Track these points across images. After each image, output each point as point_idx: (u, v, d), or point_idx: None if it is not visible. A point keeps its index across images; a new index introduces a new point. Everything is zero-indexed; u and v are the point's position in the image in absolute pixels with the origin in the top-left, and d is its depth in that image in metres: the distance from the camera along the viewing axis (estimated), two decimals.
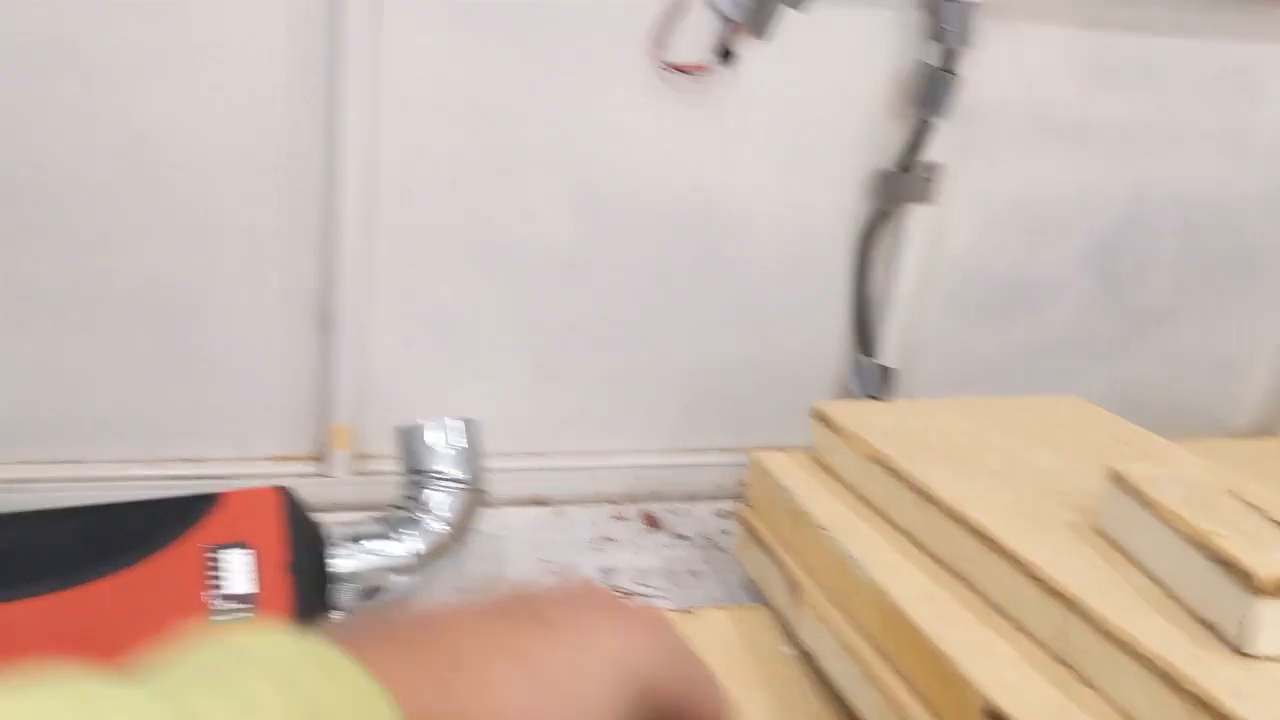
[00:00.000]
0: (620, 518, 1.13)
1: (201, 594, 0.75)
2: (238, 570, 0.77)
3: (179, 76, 0.92)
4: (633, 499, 1.16)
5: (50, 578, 0.72)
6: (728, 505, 1.17)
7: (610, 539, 1.09)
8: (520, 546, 1.05)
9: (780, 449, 0.98)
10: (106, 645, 0.72)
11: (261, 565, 0.77)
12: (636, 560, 1.05)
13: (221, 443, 1.05)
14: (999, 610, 0.74)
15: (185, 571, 0.75)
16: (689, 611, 0.90)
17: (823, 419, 0.95)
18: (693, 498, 1.18)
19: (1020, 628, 0.71)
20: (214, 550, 0.76)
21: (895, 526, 0.85)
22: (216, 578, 0.76)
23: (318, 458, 1.08)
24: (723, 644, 0.87)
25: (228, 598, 0.76)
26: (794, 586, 0.86)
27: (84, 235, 0.94)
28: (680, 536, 1.11)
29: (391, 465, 1.08)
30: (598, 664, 0.37)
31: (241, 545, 0.77)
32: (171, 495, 0.80)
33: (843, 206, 1.12)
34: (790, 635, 0.88)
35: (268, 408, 1.05)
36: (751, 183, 1.08)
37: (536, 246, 1.06)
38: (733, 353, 1.15)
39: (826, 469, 0.95)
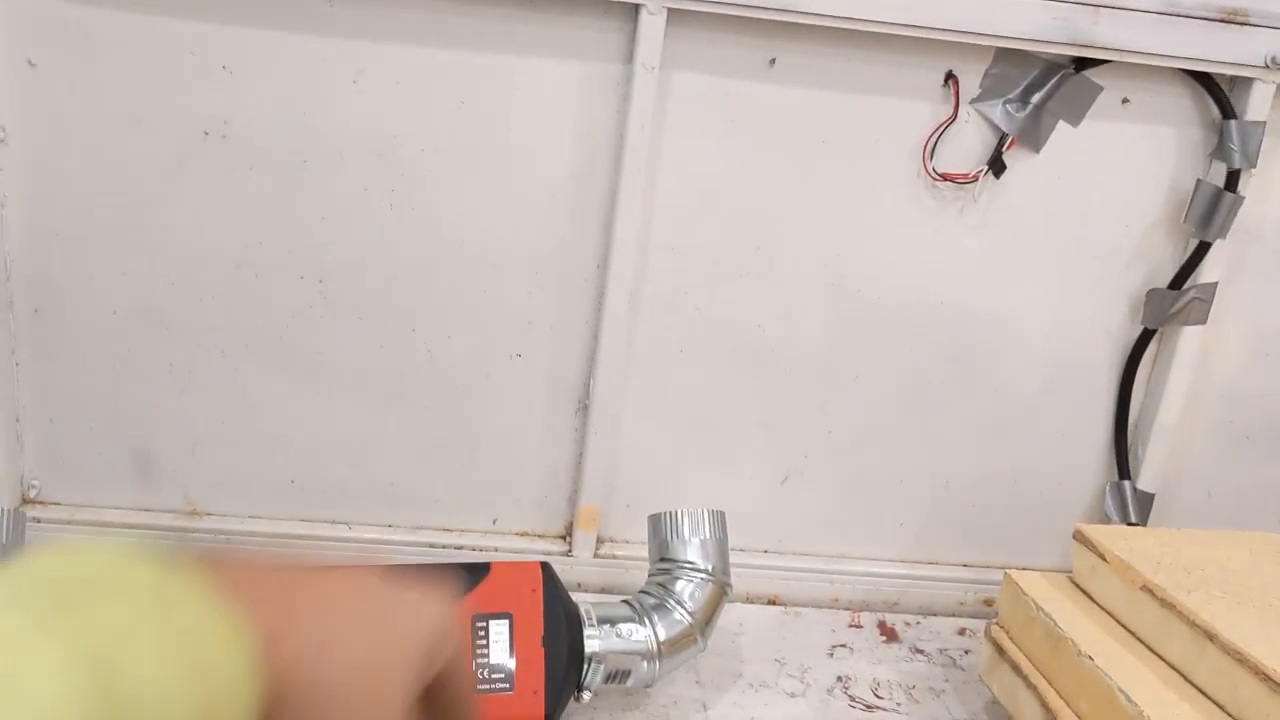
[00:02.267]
0: (856, 625, 1.11)
1: (469, 661, 0.78)
2: (500, 640, 0.80)
3: (477, 173, 0.99)
4: (869, 608, 1.14)
5: None
6: (968, 622, 1.14)
7: (846, 646, 1.07)
8: (754, 645, 1.05)
9: (1036, 569, 0.95)
10: None
11: (518, 636, 0.80)
12: (874, 671, 1.03)
13: (477, 516, 1.10)
14: None
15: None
16: None
17: (1086, 542, 0.91)
18: (931, 612, 1.15)
19: None
20: (483, 619, 0.79)
21: (1165, 661, 0.81)
22: (483, 646, 0.79)
23: (563, 537, 1.11)
24: None
25: (490, 667, 0.79)
26: (1050, 715, 0.83)
27: (380, 315, 1.02)
28: (918, 651, 1.08)
29: (631, 550, 1.11)
30: (416, 621, 0.44)
31: (505, 615, 0.80)
32: (450, 561, 0.84)
33: (1109, 325, 1.09)
34: None
35: (523, 485, 1.09)
36: (1015, 296, 1.07)
37: (790, 346, 1.07)
38: (983, 467, 1.13)
39: (1086, 593, 0.91)
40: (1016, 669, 0.89)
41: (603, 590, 1.11)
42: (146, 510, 1.06)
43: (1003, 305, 1.07)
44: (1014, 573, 0.95)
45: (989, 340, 1.08)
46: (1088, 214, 1.05)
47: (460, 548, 1.09)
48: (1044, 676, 0.86)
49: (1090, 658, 0.80)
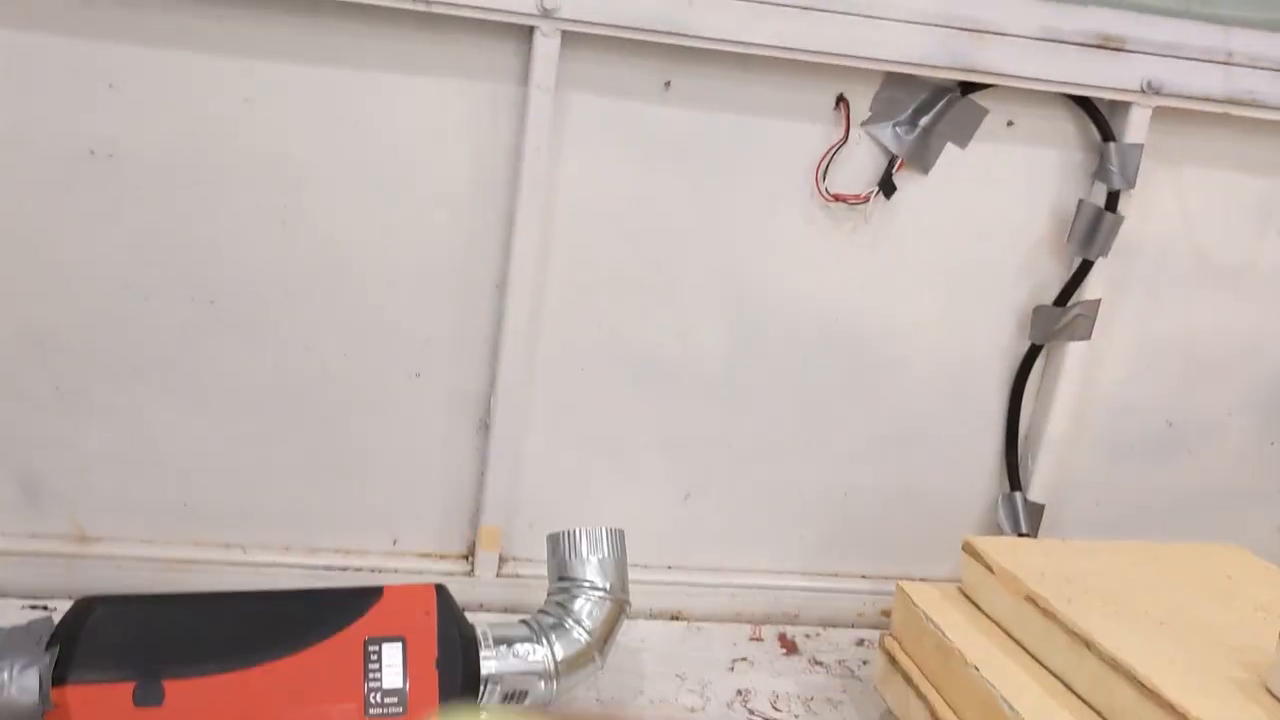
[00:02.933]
0: (757, 639, 1.12)
1: (359, 685, 0.77)
2: (393, 664, 0.79)
3: (372, 192, 0.98)
4: (770, 620, 1.16)
5: (217, 659, 0.75)
6: (867, 634, 1.16)
7: (747, 660, 1.08)
8: (656, 661, 1.06)
9: (928, 581, 0.97)
10: None
11: (411, 659, 0.80)
12: (774, 684, 1.04)
13: (376, 536, 1.09)
14: None
15: (346, 662, 0.78)
16: None
17: (974, 554, 0.94)
18: (831, 624, 1.17)
19: None
20: (375, 643, 0.79)
21: (1047, 669, 0.83)
22: (375, 670, 0.78)
23: (466, 557, 1.11)
24: None
25: (383, 691, 0.78)
26: None
27: (274, 334, 1.00)
28: (817, 662, 1.09)
29: (535, 569, 1.11)
30: None
31: (398, 639, 0.80)
32: (339, 586, 0.83)
33: (998, 340, 1.12)
34: None
35: (424, 505, 1.09)
36: (907, 313, 1.09)
37: (690, 363, 1.08)
38: (880, 480, 1.15)
39: (975, 604, 0.93)
40: (908, 679, 0.91)
41: (506, 610, 1.10)
42: (33, 536, 1.03)
43: (896, 322, 1.10)
44: (905, 584, 0.97)
45: (883, 356, 1.11)
46: (976, 233, 1.08)
47: (360, 569, 1.08)
48: (934, 686, 0.88)
49: (976, 668, 0.82)
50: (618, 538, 0.94)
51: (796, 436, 1.12)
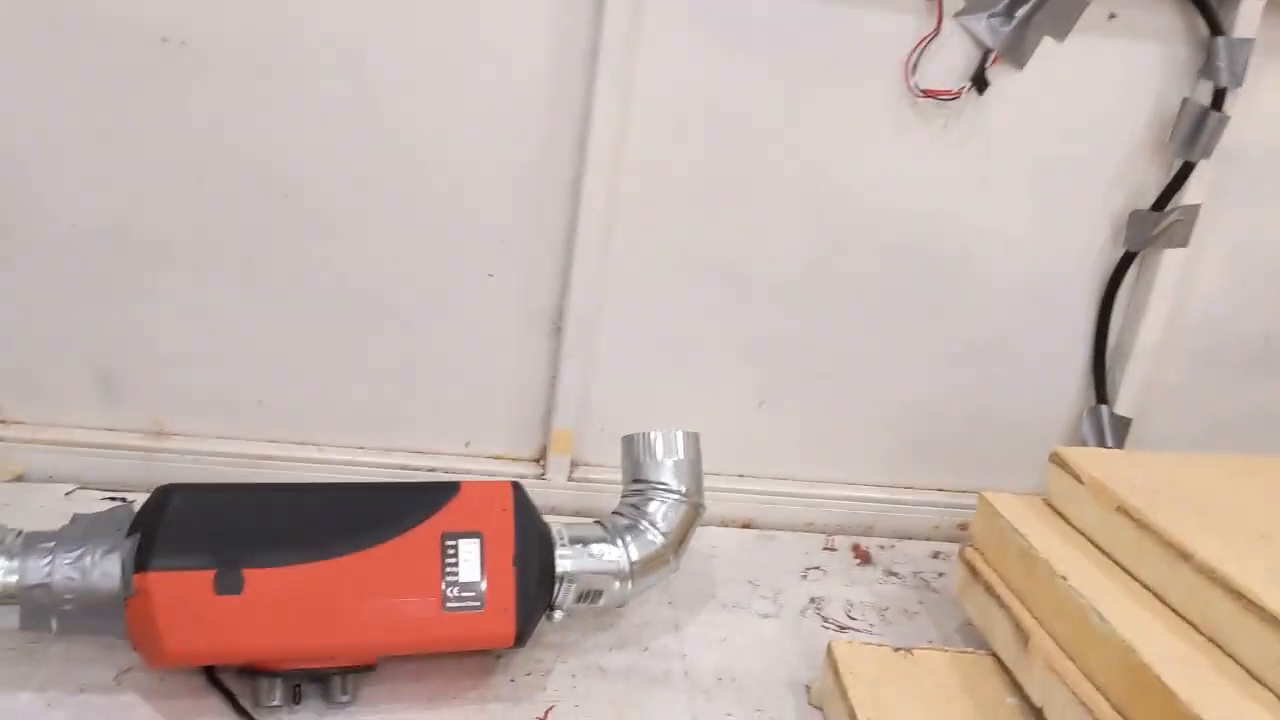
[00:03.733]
0: (830, 549, 1.11)
1: (436, 579, 0.77)
2: (470, 559, 0.78)
3: (448, 84, 0.95)
4: (844, 531, 1.14)
5: (295, 550, 0.75)
6: (943, 547, 1.14)
7: (820, 569, 1.07)
8: (728, 567, 1.05)
9: (1011, 492, 0.95)
10: (343, 619, 0.75)
11: (489, 555, 0.79)
12: (848, 593, 1.03)
13: (449, 438, 1.08)
14: (1259, 680, 0.68)
15: (424, 556, 0.77)
16: (908, 651, 0.87)
17: (1062, 465, 0.91)
18: (905, 536, 1.15)
19: None
20: (452, 538, 0.78)
21: (1139, 582, 0.81)
22: (453, 565, 0.78)
23: (537, 460, 1.10)
24: (942, 688, 0.84)
25: (460, 586, 0.77)
26: (1023, 635, 0.82)
27: (349, 231, 0.99)
28: (892, 574, 1.08)
29: (606, 474, 1.10)
30: None
31: (475, 534, 0.79)
32: (415, 481, 0.82)
33: (1089, 247, 1.08)
34: (1016, 685, 0.84)
35: (495, 408, 1.08)
36: (996, 216, 1.05)
37: (767, 266, 1.05)
38: (959, 390, 1.12)
39: (1062, 516, 0.91)
40: (990, 590, 0.89)
41: (577, 513, 1.10)
42: (111, 430, 1.04)
43: (984, 225, 1.06)
44: (989, 495, 0.94)
45: (969, 261, 1.07)
46: (1071, 133, 1.03)
47: (433, 470, 1.07)
48: (1018, 598, 0.86)
49: (1064, 578, 0.80)
50: (693, 441, 0.92)
51: (875, 345, 1.09)
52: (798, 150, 1.01)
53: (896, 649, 0.87)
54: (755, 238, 1.04)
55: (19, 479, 1.02)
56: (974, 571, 0.92)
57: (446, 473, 1.08)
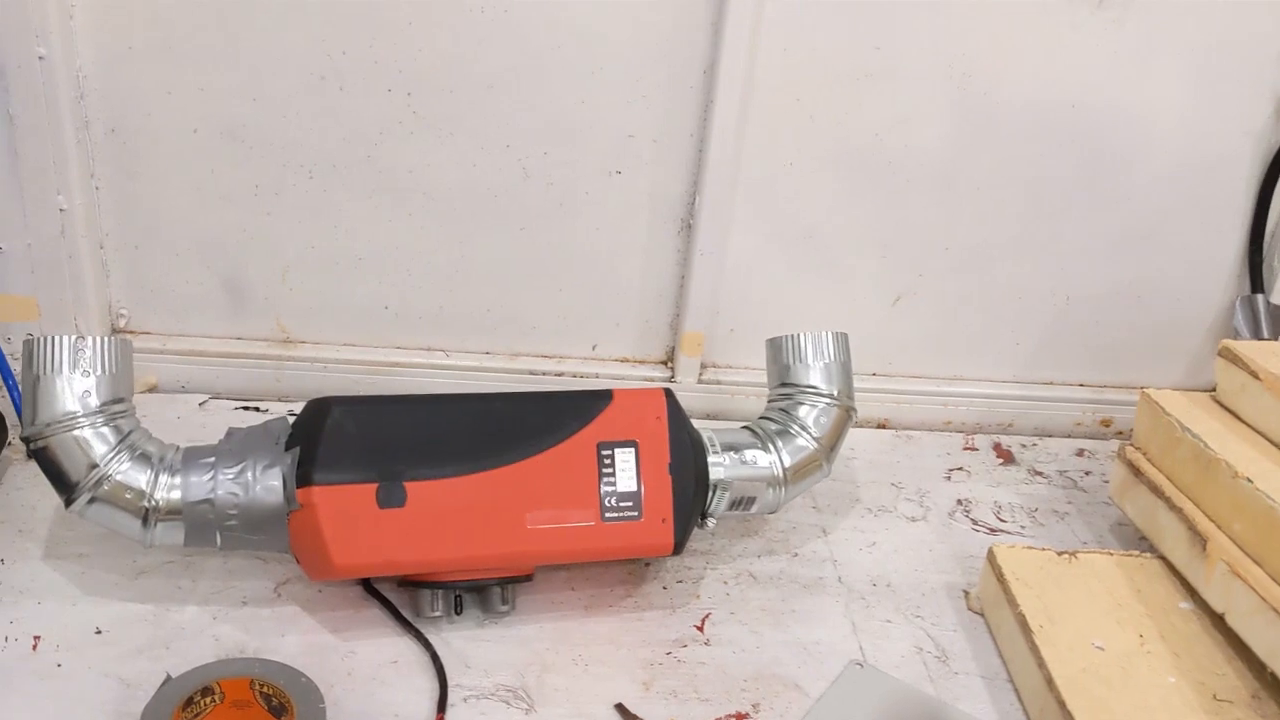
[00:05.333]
0: (971, 448, 1.07)
1: (594, 489, 0.75)
2: (626, 468, 0.76)
3: None
4: (983, 430, 1.11)
5: (454, 462, 0.73)
6: (1087, 444, 1.10)
7: (963, 469, 1.04)
8: (869, 469, 1.02)
9: (1163, 388, 0.90)
10: (505, 530, 0.73)
11: (644, 464, 0.77)
12: (994, 494, 1.00)
13: (575, 341, 1.06)
14: None
15: (581, 465, 0.75)
16: (1072, 555, 0.84)
17: (1234, 359, 0.86)
18: (1046, 433, 1.11)
19: None
20: (608, 447, 0.76)
21: None
22: (609, 474, 0.76)
23: (665, 362, 1.08)
24: (1111, 592, 0.81)
25: (617, 495, 0.76)
26: (1199, 538, 0.79)
27: (473, 130, 0.95)
28: (1037, 473, 1.04)
29: (736, 375, 1.07)
30: None
31: (630, 443, 0.77)
32: (567, 390, 0.80)
33: (1250, 129, 1.01)
34: (1189, 589, 0.81)
35: (622, 310, 1.05)
36: (1152, 97, 0.99)
37: (908, 156, 1.00)
38: (1106, 282, 1.07)
39: (1232, 412, 0.87)
40: (1157, 491, 0.85)
41: (707, 417, 1.07)
42: (239, 339, 1.03)
43: (1138, 106, 0.99)
44: (1152, 392, 0.90)
45: (1121, 145, 1.01)
46: (1236, 5, 0.95)
47: (560, 374, 1.05)
48: (1190, 499, 0.83)
49: (1249, 480, 0.76)
50: (842, 341, 0.88)
51: (1019, 236, 1.04)
52: (945, 29, 0.95)
53: (1060, 553, 0.84)
54: (898, 123, 0.99)
55: (153, 390, 1.01)
56: (1136, 472, 0.89)
57: (574, 376, 1.05)
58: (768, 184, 1.00)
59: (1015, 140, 1.00)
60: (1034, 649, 0.74)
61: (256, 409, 1.01)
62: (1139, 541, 0.91)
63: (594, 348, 1.06)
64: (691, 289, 1.02)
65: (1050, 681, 0.71)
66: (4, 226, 0.93)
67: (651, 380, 1.06)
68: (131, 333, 1.02)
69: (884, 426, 1.10)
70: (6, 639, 0.71)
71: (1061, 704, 0.69)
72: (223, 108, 0.93)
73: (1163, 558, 0.84)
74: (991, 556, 0.83)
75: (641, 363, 1.08)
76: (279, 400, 1.02)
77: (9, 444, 0.88)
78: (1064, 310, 1.08)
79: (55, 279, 0.95)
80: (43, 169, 0.91)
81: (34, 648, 0.71)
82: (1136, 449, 0.90)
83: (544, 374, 1.05)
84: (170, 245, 0.98)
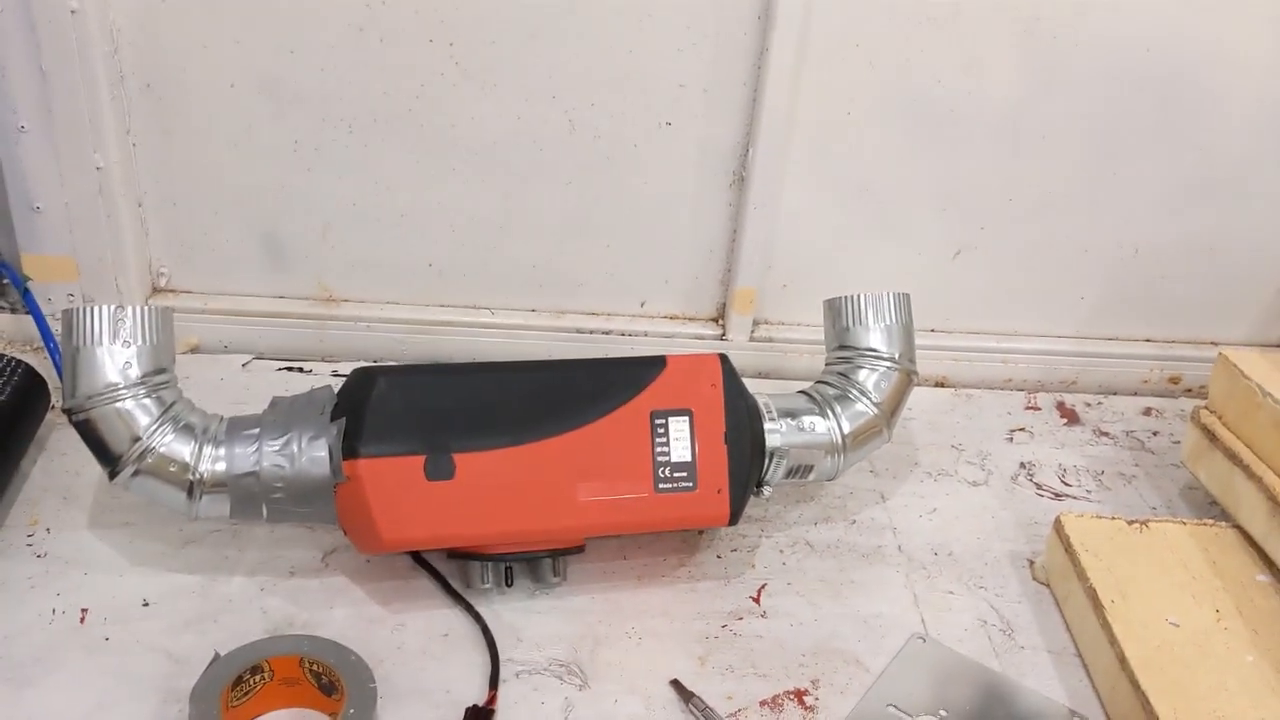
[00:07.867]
0: (1033, 408, 1.04)
1: (647, 459, 0.73)
2: (681, 437, 0.74)
3: None
4: (1045, 388, 1.07)
5: (503, 432, 0.71)
6: (1154, 402, 1.06)
7: (1026, 430, 1.00)
8: (927, 430, 0.99)
9: (1233, 345, 0.86)
10: (556, 502, 0.71)
11: (699, 433, 0.74)
12: (1058, 456, 0.96)
13: (623, 298, 1.03)
14: None
15: (634, 435, 0.73)
16: (1143, 524, 0.81)
17: None
18: (1111, 391, 1.07)
19: None
20: (662, 416, 0.73)
21: None
22: (663, 444, 0.73)
23: (716, 319, 1.04)
24: (1185, 564, 0.78)
25: (671, 465, 0.73)
26: (1279, 508, 0.76)
27: (516, 81, 0.92)
28: (1103, 434, 1.01)
29: (789, 333, 1.04)
30: None
31: (685, 412, 0.74)
32: (619, 357, 0.77)
33: None
34: (1267, 561, 0.78)
35: (671, 266, 1.02)
36: (1233, 37, 0.93)
37: (972, 103, 0.95)
38: (1177, 234, 1.02)
39: None
40: (1234, 458, 0.82)
41: (759, 375, 1.04)
42: (281, 298, 1.01)
43: (1215, 48, 0.93)
44: (1229, 352, 0.86)
45: (1199, 91, 0.95)
46: None
47: (608, 332, 1.03)
48: (1270, 468, 0.79)
49: None
50: (903, 302, 0.85)
51: (1088, 186, 0.99)
52: None
53: (1130, 521, 0.81)
54: (961, 69, 0.94)
55: (195, 350, 1.00)
56: (1212, 436, 0.85)
57: (622, 335, 1.03)
58: (824, 134, 0.96)
59: (1085, 85, 0.95)
60: (1105, 625, 0.71)
61: (300, 369, 0.99)
62: (1210, 507, 0.87)
63: (642, 304, 1.04)
64: (744, 244, 0.99)
65: (1123, 660, 0.68)
66: (41, 186, 0.91)
67: (701, 338, 1.03)
68: (172, 291, 1.00)
69: (942, 385, 1.06)
70: (55, 611, 0.70)
71: (1136, 685, 0.66)
72: (260, 61, 0.90)
73: (1238, 527, 0.81)
74: (1059, 526, 0.80)
75: (691, 320, 1.05)
76: (323, 360, 1.01)
77: (52, 407, 0.87)
78: (1131, 263, 1.03)
79: (94, 239, 0.94)
80: (78, 126, 0.89)
81: (82, 620, 0.70)
82: (1211, 412, 0.87)
83: (591, 331, 1.02)
84: (209, 203, 0.96)
